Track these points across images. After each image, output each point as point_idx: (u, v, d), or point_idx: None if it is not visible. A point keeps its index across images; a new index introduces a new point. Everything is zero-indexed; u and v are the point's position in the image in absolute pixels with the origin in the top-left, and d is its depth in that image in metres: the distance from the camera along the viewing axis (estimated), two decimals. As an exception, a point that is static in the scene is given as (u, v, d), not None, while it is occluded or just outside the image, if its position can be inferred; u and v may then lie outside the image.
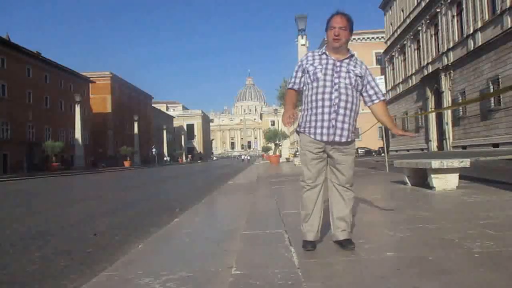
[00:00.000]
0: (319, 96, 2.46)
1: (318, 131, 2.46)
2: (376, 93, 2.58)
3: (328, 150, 2.50)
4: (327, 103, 2.44)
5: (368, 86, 2.56)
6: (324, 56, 2.53)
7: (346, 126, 2.45)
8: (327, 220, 2.64)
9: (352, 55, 2.56)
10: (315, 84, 2.48)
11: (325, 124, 2.44)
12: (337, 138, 2.44)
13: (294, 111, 2.54)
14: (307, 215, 2.56)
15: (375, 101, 2.59)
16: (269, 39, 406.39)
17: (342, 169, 2.51)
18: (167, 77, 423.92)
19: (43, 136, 38.23)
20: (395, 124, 2.68)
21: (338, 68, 2.47)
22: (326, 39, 2.57)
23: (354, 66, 2.51)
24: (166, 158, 72.06)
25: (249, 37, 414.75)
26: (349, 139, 2.47)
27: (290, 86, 2.65)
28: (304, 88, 2.57)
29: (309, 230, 2.55)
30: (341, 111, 2.43)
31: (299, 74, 2.59)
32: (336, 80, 2.45)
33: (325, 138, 2.45)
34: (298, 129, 2.60)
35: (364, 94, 2.58)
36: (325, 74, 2.47)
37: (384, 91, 11.76)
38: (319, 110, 2.45)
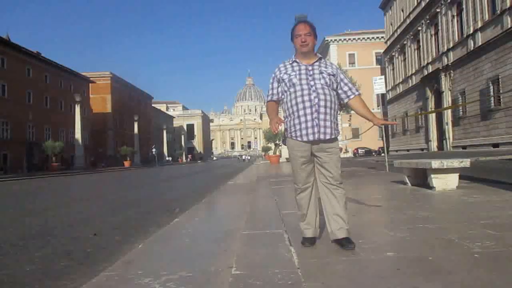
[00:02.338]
0: (299, 99, 2.58)
1: (304, 132, 2.56)
2: (350, 89, 2.72)
3: (314, 150, 2.60)
4: (307, 104, 2.56)
5: (342, 84, 2.70)
6: (295, 64, 2.68)
7: (328, 123, 2.56)
8: (324, 220, 2.65)
9: (321, 58, 2.71)
10: (292, 90, 2.62)
11: (309, 124, 2.55)
12: (321, 136, 2.55)
13: (278, 117, 2.65)
14: (303, 215, 2.70)
15: (351, 96, 2.72)
16: (269, 39, 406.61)
17: (329, 167, 2.59)
18: (167, 77, 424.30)
19: (43, 136, 38.22)
20: (374, 115, 2.76)
21: (311, 72, 2.62)
22: (294, 47, 2.71)
23: (325, 67, 2.66)
24: (168, 158, 72.06)
25: (249, 37, 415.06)
26: (332, 136, 2.58)
27: (269, 98, 2.78)
28: (283, 97, 2.70)
29: (307, 227, 2.69)
30: (322, 109, 2.55)
31: (275, 85, 2.74)
32: (312, 83, 2.58)
33: (311, 137, 2.55)
34: (284, 137, 2.72)
35: (340, 91, 2.71)
36: (300, 79, 2.61)
37: (384, 91, 11.75)
38: (301, 112, 2.57)
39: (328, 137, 2.56)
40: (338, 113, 2.77)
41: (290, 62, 2.71)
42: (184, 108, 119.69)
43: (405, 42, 35.75)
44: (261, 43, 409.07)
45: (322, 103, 2.55)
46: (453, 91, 26.09)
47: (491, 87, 21.37)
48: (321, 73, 2.61)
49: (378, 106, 39.84)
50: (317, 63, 2.66)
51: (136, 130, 56.82)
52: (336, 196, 2.59)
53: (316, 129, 2.54)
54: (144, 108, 70.76)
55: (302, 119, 2.56)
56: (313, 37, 2.65)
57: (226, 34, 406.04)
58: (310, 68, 2.63)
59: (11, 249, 3.87)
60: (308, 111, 2.55)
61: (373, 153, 41.36)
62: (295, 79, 2.61)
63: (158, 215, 5.62)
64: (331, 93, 2.60)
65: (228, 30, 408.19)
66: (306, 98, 2.56)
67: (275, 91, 2.73)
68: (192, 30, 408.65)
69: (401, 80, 37.21)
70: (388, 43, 40.89)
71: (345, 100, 2.72)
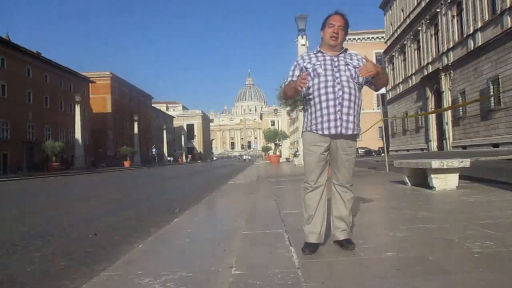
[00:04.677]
0: (322, 91, 2.46)
1: (325, 125, 2.44)
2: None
3: (333, 146, 2.49)
4: (331, 96, 2.44)
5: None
6: (320, 54, 2.56)
7: (351, 118, 2.45)
8: (328, 220, 2.64)
9: (346, 49, 2.59)
10: (316, 81, 2.49)
11: (331, 117, 2.43)
12: (343, 131, 2.44)
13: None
14: (310, 217, 2.53)
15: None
16: (269, 39, 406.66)
17: (341, 168, 2.52)
18: (167, 77, 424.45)
19: (43, 136, 38.23)
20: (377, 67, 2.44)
21: (336, 63, 2.50)
22: (322, 37, 2.59)
23: (351, 59, 2.54)
24: (169, 158, 72.15)
25: (249, 37, 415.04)
26: (355, 132, 2.48)
27: (287, 82, 2.66)
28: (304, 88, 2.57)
29: (312, 232, 2.51)
30: (346, 103, 2.44)
31: (296, 72, 2.60)
32: (337, 74, 2.47)
33: (332, 131, 2.44)
34: (303, 131, 2.61)
35: (367, 79, 2.54)
36: (325, 70, 2.49)
37: (384, 91, 11.76)
38: (324, 105, 2.45)
39: (350, 132, 2.44)
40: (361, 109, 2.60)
41: (315, 52, 2.58)
42: (184, 108, 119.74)
43: (405, 42, 35.74)
44: (261, 42, 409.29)
45: (346, 96, 2.43)
46: (453, 91, 26.07)
47: (491, 87, 21.36)
48: (346, 65, 2.49)
49: (378, 106, 39.77)
50: (342, 55, 2.54)
51: (136, 130, 56.84)
52: (344, 200, 2.55)
53: (338, 123, 2.42)
54: (144, 108, 70.78)
55: (325, 111, 2.44)
56: (345, 32, 2.53)
57: (226, 34, 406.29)
58: (335, 59, 2.50)
59: (11, 249, 3.87)
60: (331, 103, 2.43)
61: (373, 153, 41.37)
62: (320, 69, 2.48)
63: (158, 215, 5.62)
64: (355, 87, 2.48)
65: (228, 30, 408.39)
66: (330, 90, 2.44)
67: (294, 79, 2.56)
68: (192, 30, 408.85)
69: (401, 80, 37.19)
70: (388, 43, 40.88)
71: (372, 87, 2.62)
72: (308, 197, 2.54)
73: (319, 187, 2.51)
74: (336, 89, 2.44)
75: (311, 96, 2.51)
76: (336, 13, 2.54)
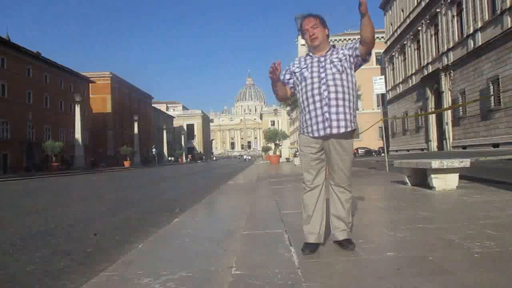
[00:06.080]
0: (309, 94, 2.50)
1: (315, 127, 2.47)
2: (356, 43, 2.49)
3: (326, 147, 2.50)
4: (317, 98, 2.47)
5: (353, 49, 2.48)
6: (308, 57, 2.60)
7: (341, 116, 2.44)
8: (327, 220, 2.63)
9: (334, 46, 2.60)
10: (303, 84, 2.54)
11: (319, 119, 2.45)
12: (334, 131, 2.43)
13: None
14: (308, 217, 2.53)
15: (358, 43, 2.48)
16: (269, 39, 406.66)
17: (336, 169, 2.51)
18: (167, 77, 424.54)
19: (43, 136, 38.22)
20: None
21: (323, 63, 2.51)
22: (306, 44, 2.62)
23: (337, 53, 2.53)
24: (170, 158, 72.16)
25: (249, 37, 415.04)
26: (348, 129, 2.45)
27: None
28: (296, 91, 2.63)
29: (311, 232, 2.52)
30: (333, 102, 2.44)
31: (287, 76, 2.65)
32: (323, 75, 2.48)
33: (322, 133, 2.45)
34: (298, 133, 2.65)
35: (355, 53, 2.47)
36: (311, 72, 2.52)
37: (384, 91, 11.74)
38: (311, 107, 2.48)
39: (342, 130, 2.42)
40: (355, 103, 2.55)
41: (304, 57, 2.62)
42: (184, 108, 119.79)
43: (405, 42, 35.74)
44: (261, 43, 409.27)
45: (332, 95, 2.43)
46: (453, 91, 26.08)
47: (491, 87, 21.37)
48: (331, 62, 2.49)
49: (378, 106, 39.78)
50: (329, 52, 2.53)
51: (136, 130, 56.79)
52: (342, 200, 2.54)
53: (327, 124, 2.42)
54: (144, 108, 70.76)
55: (312, 113, 2.47)
56: (322, 28, 2.52)
57: (226, 34, 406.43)
58: (322, 59, 2.52)
59: (11, 249, 3.87)
60: (317, 105, 2.45)
61: (373, 153, 41.33)
62: (307, 72, 2.52)
63: (158, 215, 5.61)
64: (343, 83, 2.46)
65: (228, 30, 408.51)
66: (315, 91, 2.47)
67: (282, 77, 2.62)
68: (192, 30, 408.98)
69: (401, 80, 37.20)
70: (388, 43, 40.88)
71: (357, 45, 2.47)
72: (305, 197, 2.55)
73: (316, 187, 2.52)
74: (322, 90, 2.46)
75: (301, 100, 2.56)
76: (304, 18, 2.57)
